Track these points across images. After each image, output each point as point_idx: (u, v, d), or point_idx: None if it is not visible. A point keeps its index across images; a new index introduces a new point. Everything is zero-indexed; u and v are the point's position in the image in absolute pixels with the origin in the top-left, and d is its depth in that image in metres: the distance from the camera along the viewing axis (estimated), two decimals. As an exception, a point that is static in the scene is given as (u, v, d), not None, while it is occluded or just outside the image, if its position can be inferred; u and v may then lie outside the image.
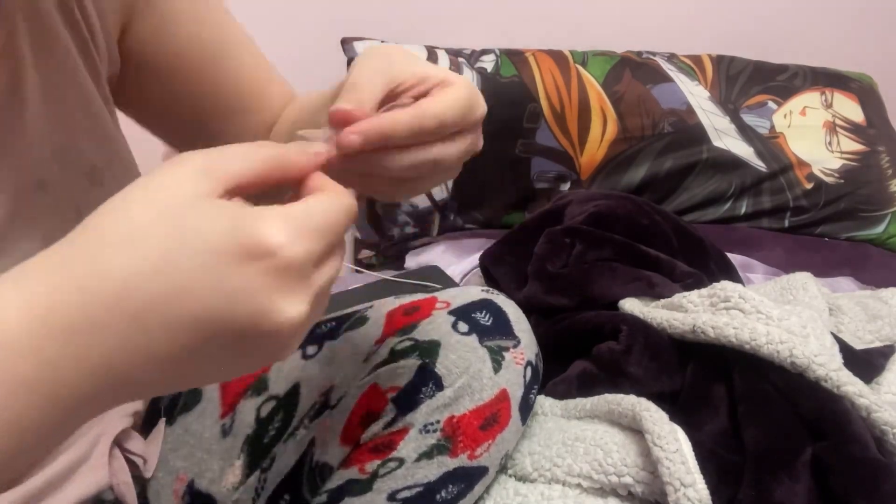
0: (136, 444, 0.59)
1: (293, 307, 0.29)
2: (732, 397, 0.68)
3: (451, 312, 0.60)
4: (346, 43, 1.36)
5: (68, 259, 0.30)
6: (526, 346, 0.61)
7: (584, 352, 0.81)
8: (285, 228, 0.29)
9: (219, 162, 0.31)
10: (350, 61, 1.35)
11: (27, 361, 0.28)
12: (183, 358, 0.29)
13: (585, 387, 0.76)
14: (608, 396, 0.70)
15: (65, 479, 0.51)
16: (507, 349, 0.59)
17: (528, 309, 0.80)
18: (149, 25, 0.55)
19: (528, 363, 0.61)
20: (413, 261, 1.30)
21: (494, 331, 0.60)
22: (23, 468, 0.29)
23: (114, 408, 0.31)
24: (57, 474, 0.51)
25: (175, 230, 0.29)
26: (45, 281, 0.29)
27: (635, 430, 0.65)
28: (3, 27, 0.43)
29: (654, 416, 0.63)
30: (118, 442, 0.57)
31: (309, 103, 0.60)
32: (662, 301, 0.85)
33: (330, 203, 0.33)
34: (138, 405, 0.61)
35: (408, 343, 0.59)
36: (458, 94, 0.43)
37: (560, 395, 0.76)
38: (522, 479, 0.66)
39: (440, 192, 1.34)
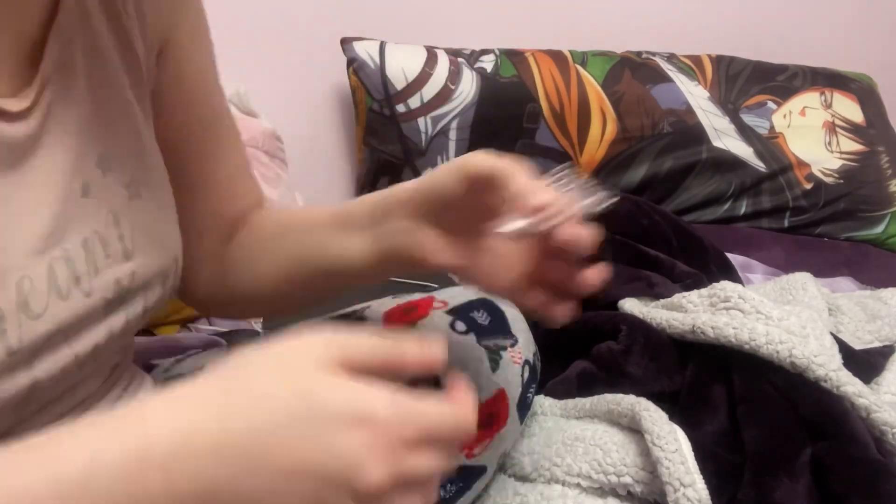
0: None
1: (377, 469, 0.33)
2: (732, 397, 0.68)
3: (448, 312, 0.60)
4: (345, 43, 1.36)
5: (212, 396, 0.35)
6: (523, 345, 0.61)
7: (583, 352, 0.81)
8: (392, 406, 0.34)
9: (347, 345, 0.36)
10: (350, 61, 1.35)
11: (156, 475, 0.32)
12: (276, 491, 0.34)
13: (585, 387, 0.76)
14: (607, 396, 0.70)
15: None
16: (504, 348, 0.59)
17: (528, 309, 0.80)
18: (166, 67, 0.57)
19: (526, 362, 0.61)
20: (413, 261, 1.30)
21: (492, 330, 0.60)
22: None
23: None
24: None
25: (300, 393, 0.34)
26: (189, 409, 0.34)
27: (635, 430, 0.65)
28: (59, 40, 0.45)
29: (653, 416, 0.63)
30: None
31: (300, 224, 0.60)
32: (662, 301, 0.85)
33: (444, 410, 0.36)
34: None
35: None
36: None
37: (560, 395, 0.76)
38: (522, 478, 0.66)
39: (440, 192, 1.34)
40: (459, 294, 0.62)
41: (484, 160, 0.45)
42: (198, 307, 0.68)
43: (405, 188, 0.51)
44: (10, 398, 0.41)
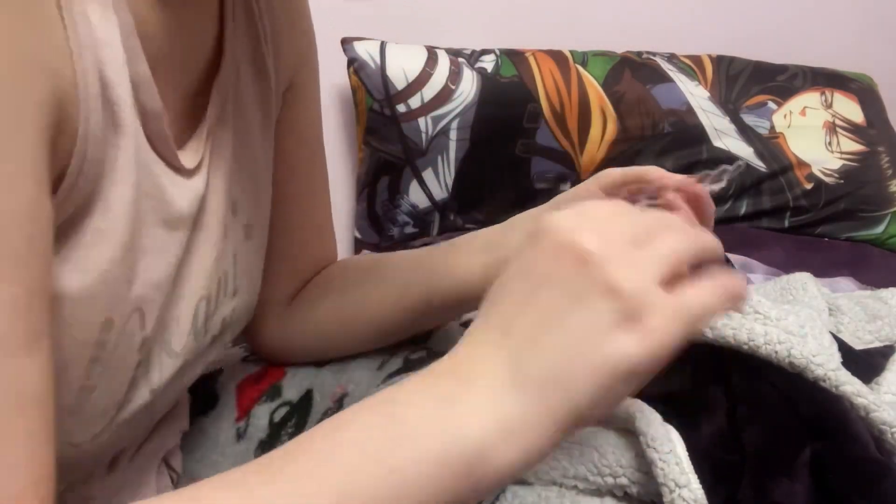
0: (176, 460, 0.60)
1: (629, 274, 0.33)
2: (731, 398, 0.68)
3: (463, 324, 0.60)
4: (346, 43, 1.36)
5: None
6: None
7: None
8: (612, 206, 0.37)
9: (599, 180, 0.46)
10: (350, 61, 1.35)
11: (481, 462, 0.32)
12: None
13: (585, 387, 0.76)
14: (604, 398, 0.70)
15: (119, 491, 0.52)
16: None
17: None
18: (288, 106, 0.59)
19: None
20: (413, 261, 1.30)
21: None
22: None
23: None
24: (115, 483, 0.51)
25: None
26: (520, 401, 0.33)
27: (630, 432, 0.65)
28: (220, 95, 0.47)
29: (647, 418, 0.63)
30: (165, 458, 0.58)
31: (388, 261, 0.63)
32: (662, 301, 0.85)
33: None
34: (186, 424, 0.62)
35: (422, 353, 0.59)
36: None
37: (559, 396, 0.76)
38: (519, 482, 0.66)
39: (440, 192, 1.35)
40: None
41: (618, 169, 0.50)
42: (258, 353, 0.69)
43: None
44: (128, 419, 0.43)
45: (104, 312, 0.37)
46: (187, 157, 0.44)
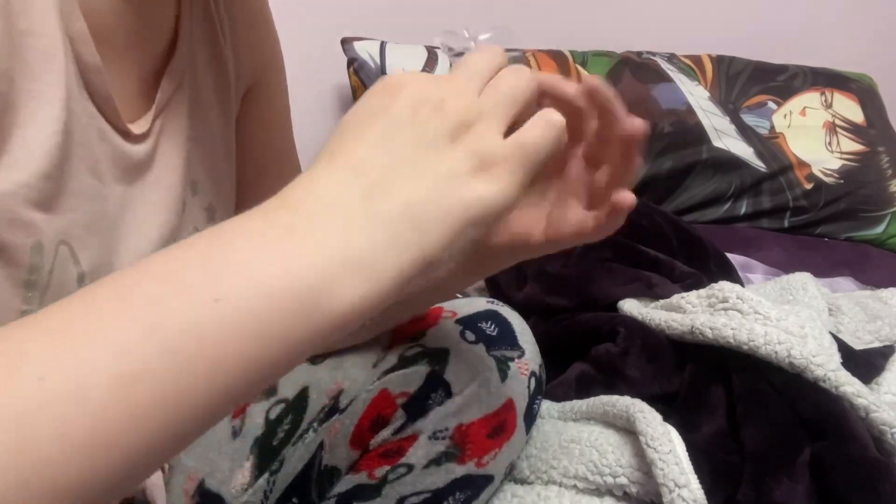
0: None
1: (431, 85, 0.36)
2: (731, 398, 0.68)
3: (458, 322, 0.60)
4: (346, 43, 1.36)
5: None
6: (530, 357, 0.61)
7: (582, 354, 0.81)
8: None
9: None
10: (350, 61, 1.35)
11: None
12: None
13: (584, 389, 0.77)
14: (603, 398, 0.70)
15: None
16: (512, 359, 0.60)
17: (527, 310, 0.80)
18: (253, 105, 0.61)
19: (532, 374, 0.61)
20: (413, 261, 1.30)
21: (500, 341, 0.60)
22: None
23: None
24: None
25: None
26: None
27: (630, 432, 0.65)
28: (173, 77, 0.49)
29: (647, 418, 0.63)
30: None
31: None
32: (661, 302, 0.85)
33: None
34: None
35: (417, 350, 0.59)
36: None
37: (558, 398, 0.77)
38: (519, 481, 0.67)
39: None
40: (467, 305, 0.63)
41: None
42: None
43: None
44: None
45: (28, 233, 0.38)
46: (136, 127, 0.46)
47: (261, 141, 0.62)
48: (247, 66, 0.59)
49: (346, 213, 0.32)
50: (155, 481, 0.57)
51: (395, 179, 0.34)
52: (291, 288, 0.30)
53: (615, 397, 0.68)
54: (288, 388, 0.63)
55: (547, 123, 0.37)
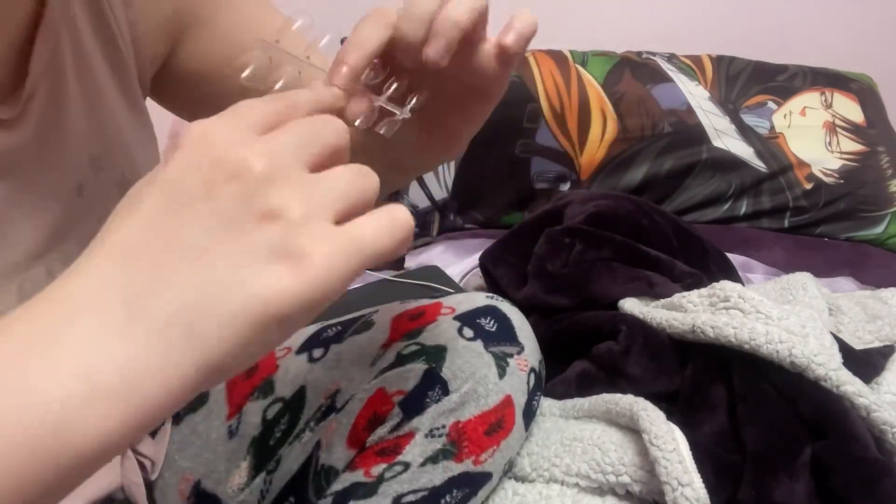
0: (146, 446, 0.59)
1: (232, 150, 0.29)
2: (732, 397, 0.68)
3: (456, 318, 0.60)
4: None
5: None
6: (529, 353, 0.61)
7: (583, 352, 0.81)
8: (226, 117, 0.31)
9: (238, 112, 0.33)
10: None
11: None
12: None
13: (585, 387, 0.76)
14: (606, 396, 0.70)
15: None
16: (511, 356, 0.59)
17: (527, 309, 0.80)
18: (198, 41, 0.56)
19: (532, 370, 0.61)
20: (413, 261, 1.30)
21: (499, 337, 0.60)
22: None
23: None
24: None
25: None
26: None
27: (633, 430, 0.65)
28: (48, 43, 0.43)
29: (651, 416, 0.63)
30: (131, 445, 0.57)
31: None
32: (662, 301, 0.85)
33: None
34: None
35: (414, 347, 0.59)
36: None
37: (559, 396, 0.76)
38: (521, 479, 0.66)
39: (440, 192, 1.34)
40: (466, 300, 0.62)
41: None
42: None
43: None
44: None
45: None
46: (7, 109, 0.40)
47: (238, 51, 0.56)
48: (155, 12, 0.52)
49: (100, 320, 0.27)
50: (135, 479, 0.57)
51: (173, 271, 0.27)
52: (22, 423, 0.25)
53: (618, 395, 0.68)
54: (285, 387, 0.63)
55: (391, 222, 0.30)
